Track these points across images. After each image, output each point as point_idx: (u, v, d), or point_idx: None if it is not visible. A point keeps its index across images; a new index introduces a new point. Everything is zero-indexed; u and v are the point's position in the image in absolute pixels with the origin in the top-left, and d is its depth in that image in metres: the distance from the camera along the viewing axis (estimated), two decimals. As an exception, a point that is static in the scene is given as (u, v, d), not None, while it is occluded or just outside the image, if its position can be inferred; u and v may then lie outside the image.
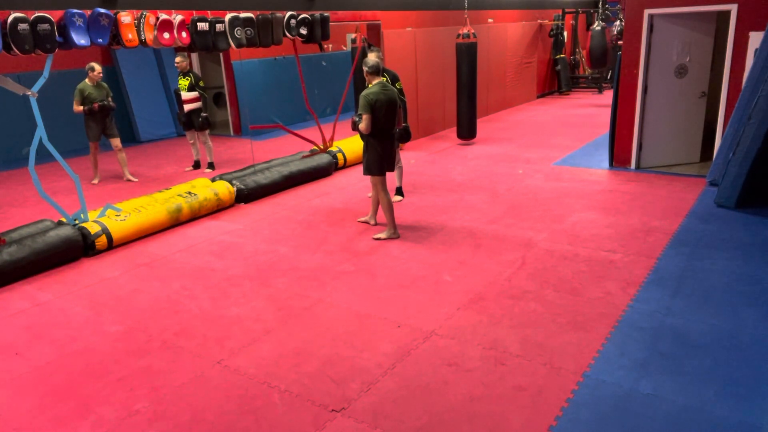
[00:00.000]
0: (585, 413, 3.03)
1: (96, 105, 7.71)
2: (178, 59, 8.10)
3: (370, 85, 5.32)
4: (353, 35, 11.24)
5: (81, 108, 7.72)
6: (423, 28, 10.19)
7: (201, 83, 8.27)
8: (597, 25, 13.66)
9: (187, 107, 8.21)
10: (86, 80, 7.74)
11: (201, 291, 4.72)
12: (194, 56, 12.26)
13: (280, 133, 10.90)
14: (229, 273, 5.05)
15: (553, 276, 4.65)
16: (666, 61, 7.18)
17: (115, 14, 5.47)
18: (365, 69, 5.32)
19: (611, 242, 5.26)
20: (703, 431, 2.87)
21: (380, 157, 5.41)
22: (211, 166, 8.61)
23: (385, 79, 5.47)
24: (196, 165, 8.80)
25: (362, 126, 5.25)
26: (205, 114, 8.28)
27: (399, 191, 6.84)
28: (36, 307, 4.57)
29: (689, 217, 5.81)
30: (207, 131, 8.49)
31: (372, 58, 5.42)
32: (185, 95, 8.17)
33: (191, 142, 8.61)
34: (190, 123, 8.33)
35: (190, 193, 6.56)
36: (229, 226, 6.28)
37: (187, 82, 8.15)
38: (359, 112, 5.28)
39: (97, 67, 7.74)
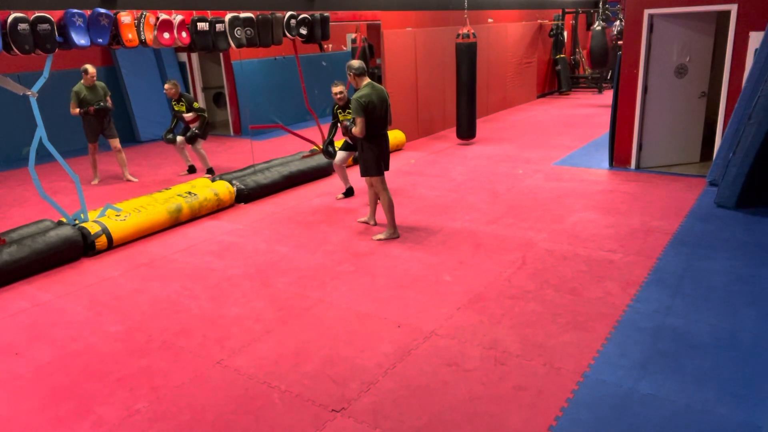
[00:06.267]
0: (585, 413, 3.03)
1: (91, 109, 7.69)
2: (167, 86, 7.85)
3: (358, 88, 5.26)
4: (353, 35, 11.25)
5: (77, 110, 7.73)
6: (423, 28, 10.19)
7: (195, 105, 7.99)
8: (597, 25, 13.66)
9: (192, 125, 8.06)
10: (81, 82, 7.75)
11: (201, 291, 4.72)
12: (194, 56, 12.25)
13: (280, 133, 10.89)
14: (229, 273, 5.05)
15: (553, 276, 4.65)
16: (666, 61, 7.18)
17: (115, 14, 5.47)
18: (351, 73, 5.28)
19: (611, 242, 5.26)
20: (703, 431, 2.87)
21: (377, 157, 5.38)
22: (210, 172, 8.30)
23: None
24: (191, 169, 8.67)
25: (356, 130, 5.19)
26: (197, 131, 7.98)
27: (350, 191, 7.14)
28: (36, 307, 4.57)
29: (689, 217, 5.81)
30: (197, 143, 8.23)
31: (356, 60, 5.40)
32: (187, 116, 7.98)
33: (180, 147, 8.35)
34: (186, 129, 8.13)
35: (190, 193, 6.56)
36: (229, 226, 6.28)
37: (183, 108, 7.96)
38: (352, 116, 5.21)
39: (91, 69, 7.71)
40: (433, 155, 9.19)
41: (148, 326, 4.18)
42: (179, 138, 8.21)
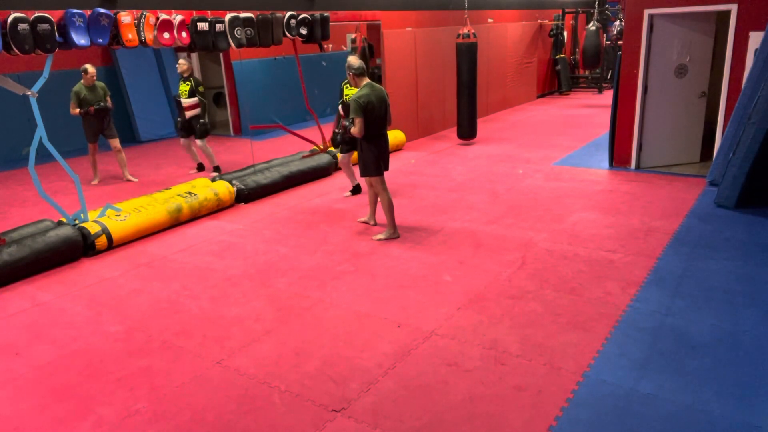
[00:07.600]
0: (585, 413, 3.03)
1: (92, 109, 7.70)
2: (181, 62, 7.89)
3: (357, 88, 5.25)
4: (353, 35, 11.25)
5: (77, 110, 7.73)
6: (423, 28, 10.19)
7: (201, 88, 7.99)
8: (592, 25, 13.65)
9: (188, 114, 8.02)
10: (81, 82, 7.76)
11: (201, 291, 4.72)
12: (194, 56, 12.25)
13: (280, 133, 10.89)
14: (229, 273, 5.05)
15: (553, 276, 4.65)
16: (666, 61, 7.19)
17: (115, 14, 5.47)
18: (351, 72, 5.27)
19: (611, 242, 5.26)
20: (703, 431, 2.87)
21: (377, 157, 5.39)
22: (217, 169, 8.28)
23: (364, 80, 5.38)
24: (200, 167, 8.71)
25: (355, 130, 5.19)
26: (203, 120, 8.01)
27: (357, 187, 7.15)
28: (36, 307, 4.57)
29: (689, 217, 5.81)
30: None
31: (355, 60, 5.39)
32: (185, 102, 7.95)
33: (184, 145, 8.37)
34: (190, 129, 8.11)
35: (190, 193, 6.56)
36: (229, 226, 6.28)
37: (187, 88, 7.92)
38: (351, 116, 5.21)
39: (91, 69, 7.72)
40: (433, 155, 9.19)
41: (148, 326, 4.18)
42: (183, 140, 8.27)
